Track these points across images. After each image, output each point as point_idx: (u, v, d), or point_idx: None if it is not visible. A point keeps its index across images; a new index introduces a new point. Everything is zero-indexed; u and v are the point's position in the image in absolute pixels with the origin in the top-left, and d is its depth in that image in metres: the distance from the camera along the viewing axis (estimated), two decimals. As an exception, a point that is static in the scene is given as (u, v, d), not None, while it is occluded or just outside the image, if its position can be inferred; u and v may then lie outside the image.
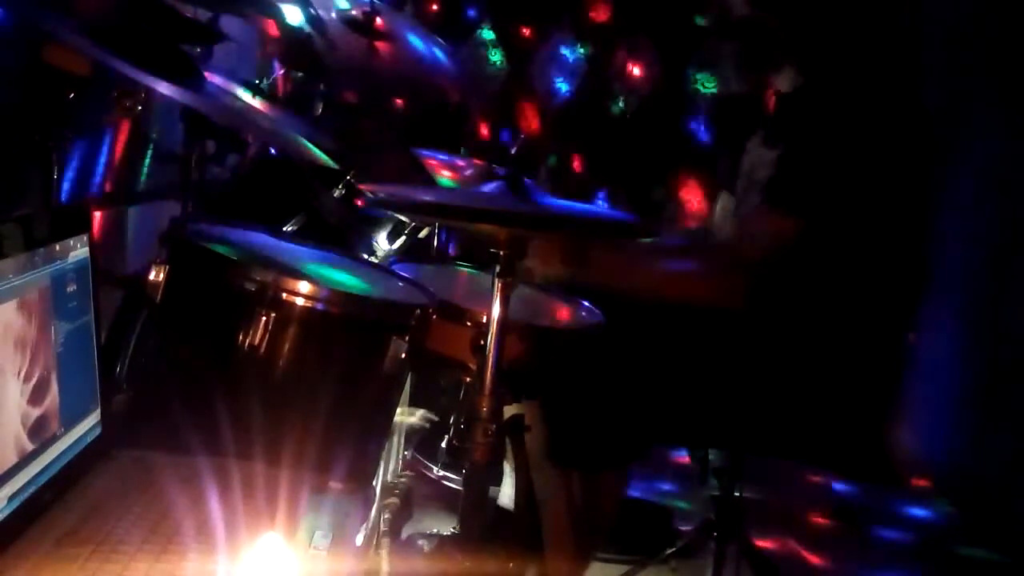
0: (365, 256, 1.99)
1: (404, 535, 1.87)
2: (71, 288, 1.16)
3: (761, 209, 1.80)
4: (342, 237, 2.06)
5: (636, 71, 4.01)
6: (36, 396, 1.07)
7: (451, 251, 2.46)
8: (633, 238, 1.73)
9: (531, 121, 4.12)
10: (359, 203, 1.91)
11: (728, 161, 2.03)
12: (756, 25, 1.86)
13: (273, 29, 2.01)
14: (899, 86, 1.86)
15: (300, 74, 2.26)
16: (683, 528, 2.56)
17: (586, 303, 1.87)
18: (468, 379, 1.65)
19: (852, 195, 1.76)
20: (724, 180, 2.07)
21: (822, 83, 1.82)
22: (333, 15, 2.03)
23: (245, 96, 1.83)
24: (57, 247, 1.12)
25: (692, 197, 3.91)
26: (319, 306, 1.51)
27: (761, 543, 2.17)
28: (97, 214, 2.00)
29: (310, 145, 1.81)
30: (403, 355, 1.55)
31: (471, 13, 4.09)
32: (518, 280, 1.44)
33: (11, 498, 1.02)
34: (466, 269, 2.05)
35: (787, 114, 1.88)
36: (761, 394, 1.80)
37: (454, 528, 1.76)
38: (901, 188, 1.81)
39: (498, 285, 1.42)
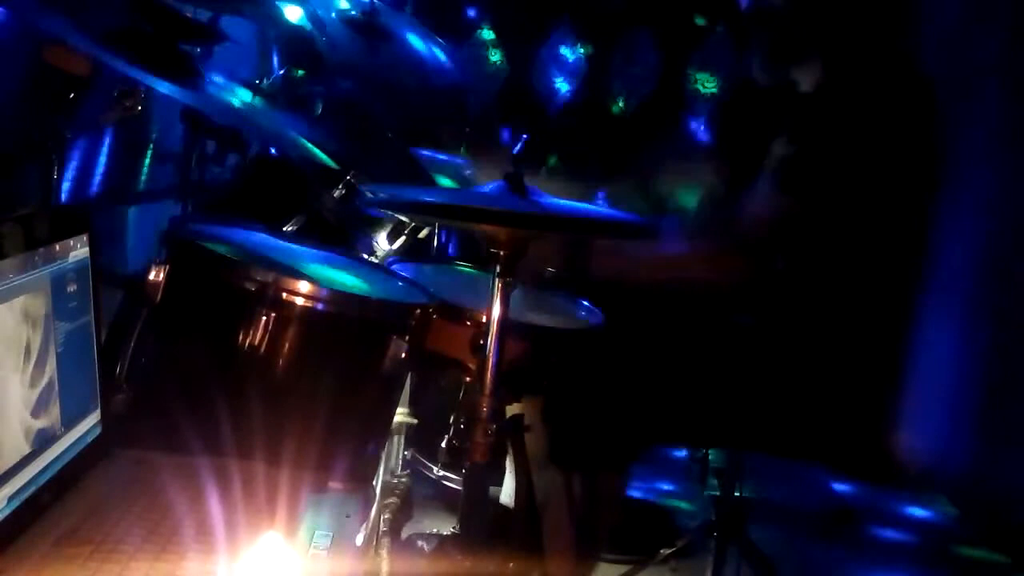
0: (365, 256, 1.99)
1: (404, 535, 1.87)
2: (71, 288, 1.16)
3: (768, 192, 1.79)
4: (342, 237, 2.06)
5: (636, 71, 4.01)
6: (36, 396, 1.07)
7: (451, 251, 2.46)
8: (633, 238, 1.73)
9: (530, 121, 4.12)
10: (359, 203, 1.91)
11: (739, 161, 2.02)
12: (787, 16, 1.85)
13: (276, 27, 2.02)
14: (911, 85, 1.86)
15: (300, 74, 2.26)
16: (683, 528, 2.56)
17: (586, 303, 1.87)
18: (468, 379, 1.65)
19: (859, 192, 1.76)
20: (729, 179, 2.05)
21: (844, 81, 1.82)
22: (333, 15, 2.03)
23: (245, 96, 1.83)
24: (57, 247, 1.12)
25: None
26: (319, 306, 1.51)
27: (761, 543, 2.17)
28: (97, 214, 2.00)
29: (310, 145, 1.81)
30: (403, 355, 1.55)
31: (471, 13, 4.08)
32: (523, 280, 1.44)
33: (11, 498, 1.02)
34: (466, 269, 2.05)
35: (810, 114, 1.86)
36: (761, 393, 1.80)
37: (454, 528, 1.76)
38: (907, 186, 1.81)
39: (498, 285, 1.42)
